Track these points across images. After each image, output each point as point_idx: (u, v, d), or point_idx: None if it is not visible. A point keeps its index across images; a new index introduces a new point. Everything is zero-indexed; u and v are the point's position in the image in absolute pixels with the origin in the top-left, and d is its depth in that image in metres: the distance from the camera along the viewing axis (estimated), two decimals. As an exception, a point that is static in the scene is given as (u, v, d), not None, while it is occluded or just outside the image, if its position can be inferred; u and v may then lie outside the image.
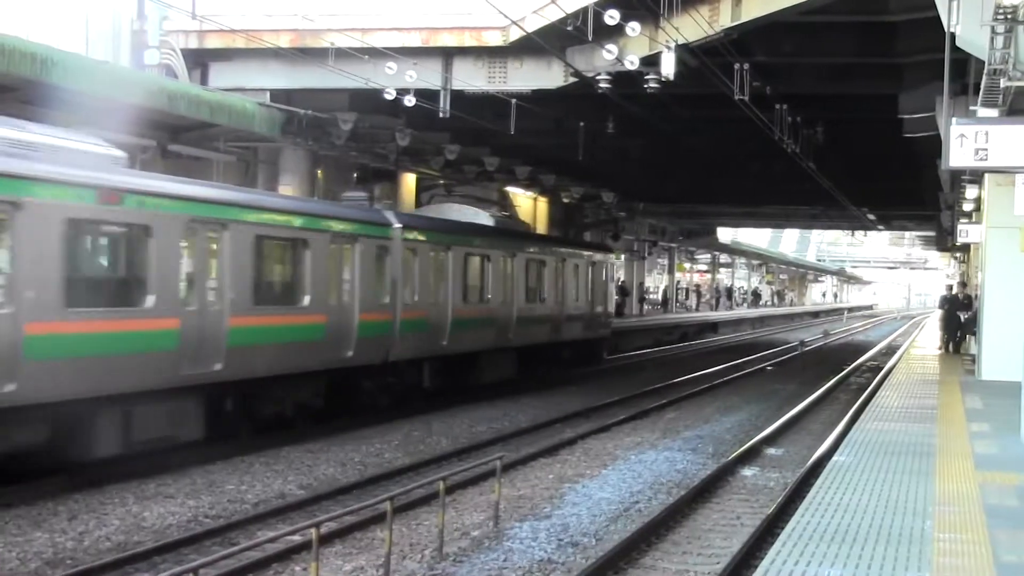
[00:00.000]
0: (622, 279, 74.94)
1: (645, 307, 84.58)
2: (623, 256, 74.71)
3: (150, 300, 20.59)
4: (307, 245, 25.45)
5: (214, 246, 22.59)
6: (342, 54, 30.61)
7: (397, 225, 29.25)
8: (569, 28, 26.67)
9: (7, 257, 17.91)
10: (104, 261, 21.64)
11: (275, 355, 24.34)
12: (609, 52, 27.59)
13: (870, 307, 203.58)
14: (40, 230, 18.21)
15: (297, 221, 25.45)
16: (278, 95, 33.37)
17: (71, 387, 18.75)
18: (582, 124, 39.40)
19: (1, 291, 17.79)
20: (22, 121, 19.87)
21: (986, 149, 18.35)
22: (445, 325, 31.59)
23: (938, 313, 49.31)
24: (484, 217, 37.68)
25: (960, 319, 41.78)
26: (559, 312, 40.61)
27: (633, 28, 25.46)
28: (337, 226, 26.88)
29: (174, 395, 21.35)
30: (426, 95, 31.86)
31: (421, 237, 30.61)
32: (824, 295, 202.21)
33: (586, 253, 44.94)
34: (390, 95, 30.87)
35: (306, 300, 25.47)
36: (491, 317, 34.89)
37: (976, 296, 38.61)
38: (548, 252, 40.31)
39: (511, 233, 38.67)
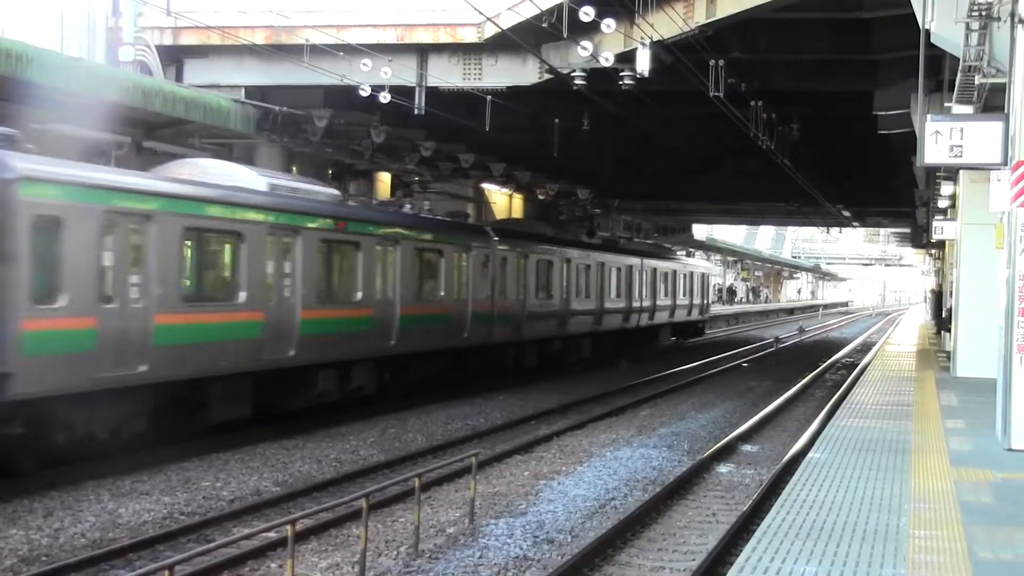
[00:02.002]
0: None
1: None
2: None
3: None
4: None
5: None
6: (317, 51, 30.56)
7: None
8: (544, 25, 26.66)
9: None
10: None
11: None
12: (584, 49, 27.63)
13: (845, 304, 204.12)
14: None
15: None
16: (253, 92, 33.26)
17: None
18: (557, 121, 39.43)
19: None
20: None
21: (961, 146, 18.41)
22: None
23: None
24: (675, 253, 68.87)
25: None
26: (689, 303, 66.99)
27: (608, 25, 25.50)
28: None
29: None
30: (401, 92, 31.82)
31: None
32: (799, 292, 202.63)
33: (696, 266, 71.74)
34: (365, 92, 30.81)
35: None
36: (666, 306, 61.23)
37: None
38: (685, 268, 66.55)
39: (678, 260, 66.71)
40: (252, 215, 24.59)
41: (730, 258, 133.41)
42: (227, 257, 24.55)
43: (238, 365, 24.00)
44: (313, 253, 26.67)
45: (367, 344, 29.17)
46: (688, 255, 75.70)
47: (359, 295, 28.77)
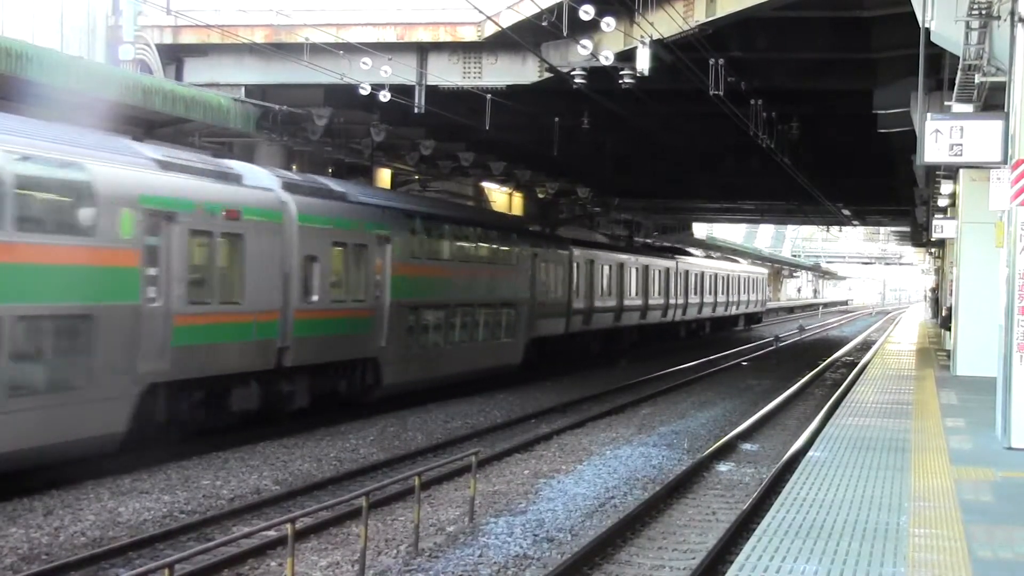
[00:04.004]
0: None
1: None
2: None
3: None
4: None
5: None
6: (317, 49, 30.54)
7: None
8: (544, 23, 26.63)
9: None
10: None
11: None
12: (584, 47, 27.60)
13: (845, 302, 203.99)
14: None
15: None
16: (253, 90, 33.23)
17: None
18: (557, 119, 39.40)
19: None
20: None
21: (961, 144, 18.41)
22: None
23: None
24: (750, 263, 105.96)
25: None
26: (756, 299, 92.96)
27: (608, 24, 25.47)
28: None
29: None
30: (401, 90, 31.81)
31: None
32: (799, 290, 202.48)
33: (758, 272, 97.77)
34: (365, 90, 30.80)
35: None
36: (743, 300, 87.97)
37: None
38: (752, 274, 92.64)
39: (745, 269, 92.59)
40: (593, 253, 51.07)
41: (730, 256, 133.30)
42: (593, 275, 50.09)
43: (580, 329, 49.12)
44: (607, 271, 52.76)
45: (613, 320, 53.98)
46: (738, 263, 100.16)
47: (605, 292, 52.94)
